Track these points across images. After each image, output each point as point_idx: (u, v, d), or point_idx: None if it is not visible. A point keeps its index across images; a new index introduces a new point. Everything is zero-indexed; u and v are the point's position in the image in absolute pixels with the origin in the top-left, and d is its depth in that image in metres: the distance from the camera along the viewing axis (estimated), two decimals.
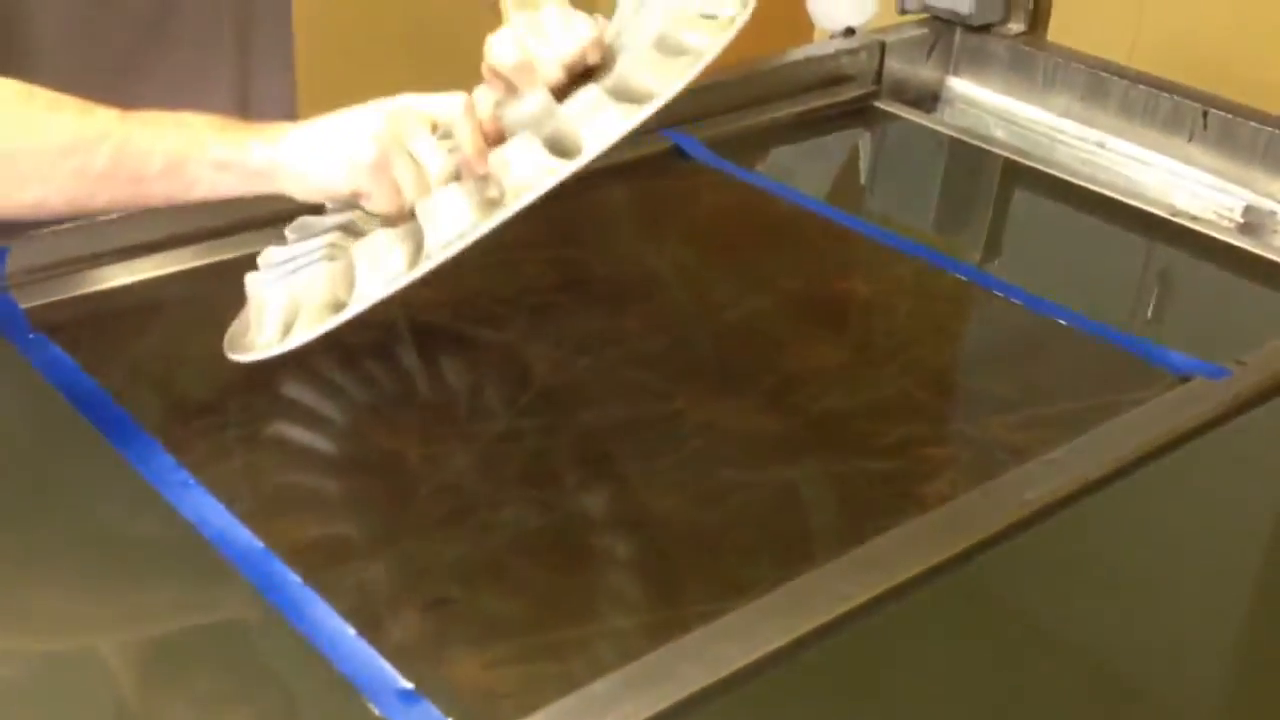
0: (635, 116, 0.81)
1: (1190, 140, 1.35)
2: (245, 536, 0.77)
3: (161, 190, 0.83)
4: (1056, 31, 1.53)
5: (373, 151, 0.83)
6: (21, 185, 0.82)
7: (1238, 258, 1.18)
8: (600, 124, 0.82)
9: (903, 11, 1.55)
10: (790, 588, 0.74)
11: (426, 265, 0.82)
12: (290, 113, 1.19)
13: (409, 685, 0.68)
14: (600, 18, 0.95)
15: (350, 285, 0.84)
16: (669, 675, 0.68)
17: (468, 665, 0.71)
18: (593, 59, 0.92)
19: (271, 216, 0.98)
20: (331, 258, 0.88)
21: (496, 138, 0.88)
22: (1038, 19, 1.53)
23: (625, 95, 0.82)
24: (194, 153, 0.83)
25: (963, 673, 0.74)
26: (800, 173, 1.35)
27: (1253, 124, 1.30)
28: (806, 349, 1.01)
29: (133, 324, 0.98)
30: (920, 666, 0.74)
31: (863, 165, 1.44)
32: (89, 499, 0.82)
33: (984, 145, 1.39)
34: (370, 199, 0.84)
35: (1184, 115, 1.35)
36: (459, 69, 1.42)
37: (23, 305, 0.96)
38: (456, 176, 0.85)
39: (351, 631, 0.71)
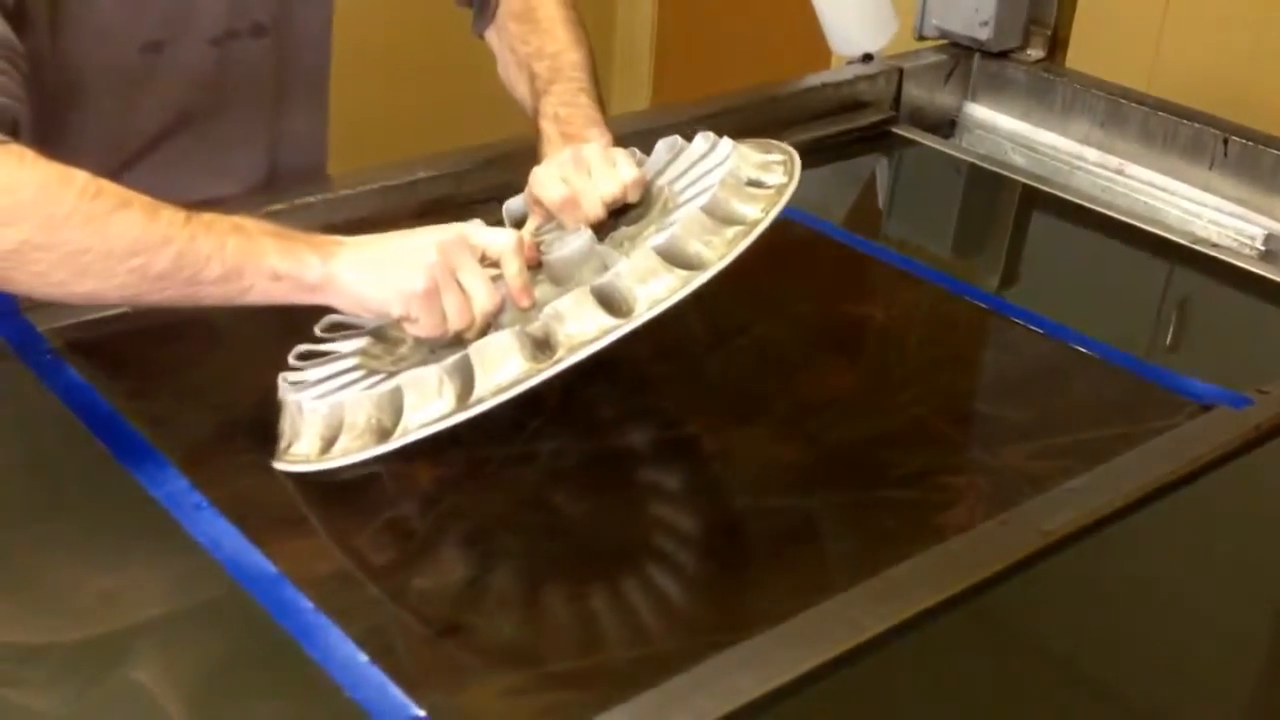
0: (689, 285, 0.84)
1: (1211, 167, 1.34)
2: (258, 561, 0.77)
3: (215, 293, 0.85)
4: (1075, 58, 1.53)
5: (426, 281, 0.85)
6: (81, 279, 0.83)
7: (1259, 285, 1.17)
8: (654, 289, 0.84)
9: (920, 38, 1.55)
10: (806, 617, 0.73)
11: (477, 408, 0.83)
12: (320, 152, 1.22)
13: (422, 713, 0.67)
14: (638, 152, 0.99)
15: (396, 412, 0.85)
16: (683, 705, 0.67)
17: (481, 693, 0.71)
18: (633, 198, 0.95)
19: None
20: (369, 369, 0.89)
21: (534, 263, 0.91)
22: (1056, 45, 1.52)
23: (678, 260, 0.85)
24: (251, 263, 0.84)
25: (980, 703, 0.73)
26: (818, 198, 1.35)
27: (1274, 151, 1.30)
28: (822, 375, 1.01)
29: (148, 346, 0.98)
30: (937, 697, 0.73)
31: (880, 191, 1.44)
32: (99, 520, 0.82)
33: (1002, 171, 1.39)
34: (417, 324, 0.86)
35: (1204, 142, 1.34)
36: (484, 113, 1.44)
37: (40, 327, 0.97)
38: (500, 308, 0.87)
39: (364, 658, 0.70)
